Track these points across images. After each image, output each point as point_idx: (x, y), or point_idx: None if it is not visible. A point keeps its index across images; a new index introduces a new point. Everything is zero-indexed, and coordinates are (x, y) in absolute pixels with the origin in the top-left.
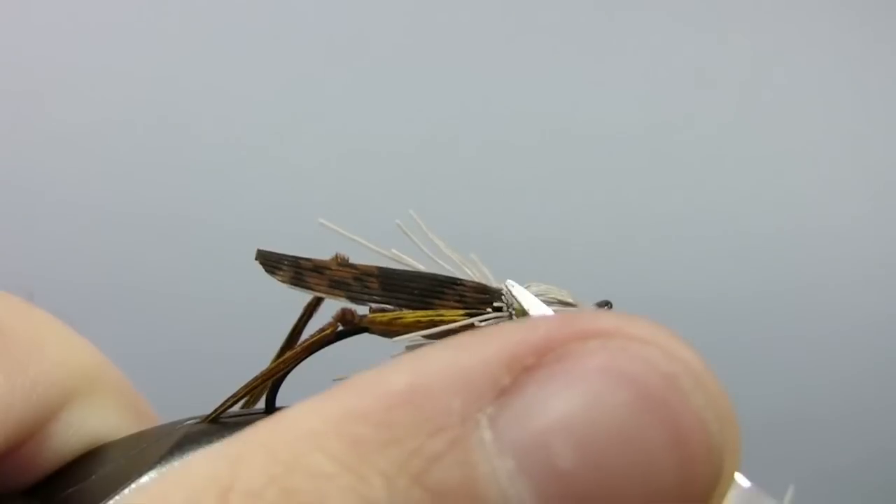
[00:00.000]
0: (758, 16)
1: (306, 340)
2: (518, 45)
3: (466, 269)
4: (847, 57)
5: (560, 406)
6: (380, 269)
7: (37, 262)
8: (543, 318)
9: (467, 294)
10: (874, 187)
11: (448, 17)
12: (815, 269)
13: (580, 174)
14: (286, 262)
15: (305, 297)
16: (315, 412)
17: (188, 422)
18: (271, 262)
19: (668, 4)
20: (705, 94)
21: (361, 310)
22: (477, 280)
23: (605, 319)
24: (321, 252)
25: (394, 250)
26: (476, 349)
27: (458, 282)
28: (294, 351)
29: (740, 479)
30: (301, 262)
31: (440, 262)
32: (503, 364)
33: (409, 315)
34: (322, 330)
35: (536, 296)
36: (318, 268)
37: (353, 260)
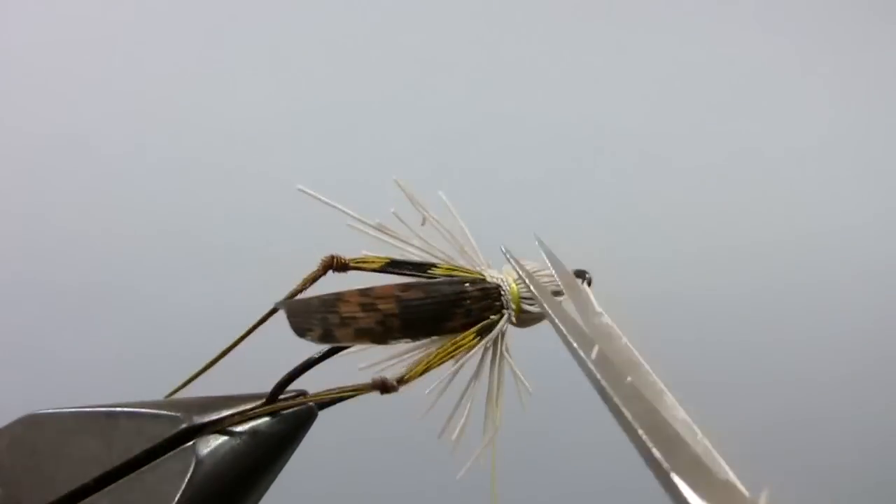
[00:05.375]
0: (768, 20)
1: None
2: (515, 44)
3: (458, 242)
4: (852, 61)
5: None
6: (397, 298)
7: (42, 265)
8: None
9: (473, 307)
10: (876, 192)
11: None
12: (815, 273)
13: (585, 174)
14: (316, 321)
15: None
16: None
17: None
18: (302, 325)
19: (674, 11)
20: (706, 97)
21: (394, 371)
22: (469, 268)
23: None
24: (319, 246)
25: (379, 221)
26: None
27: (464, 296)
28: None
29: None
30: (329, 317)
31: (428, 249)
32: None
33: (436, 359)
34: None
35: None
36: (344, 320)
37: (347, 255)
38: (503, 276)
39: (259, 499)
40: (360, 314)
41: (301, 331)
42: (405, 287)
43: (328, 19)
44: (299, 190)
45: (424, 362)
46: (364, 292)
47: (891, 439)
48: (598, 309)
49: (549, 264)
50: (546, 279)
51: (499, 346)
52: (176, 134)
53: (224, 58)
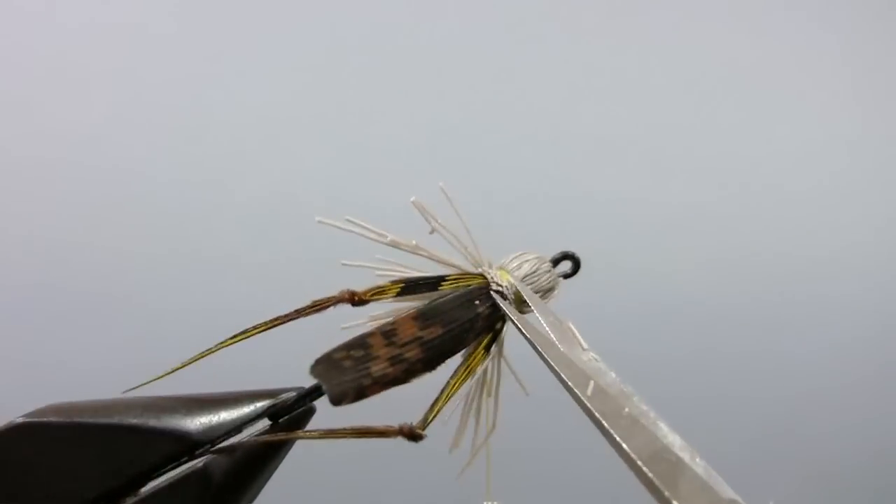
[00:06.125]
0: (777, 25)
1: None
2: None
3: (465, 245)
4: (852, 70)
5: None
6: (420, 340)
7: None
8: None
9: (483, 326)
10: (878, 202)
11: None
12: (815, 279)
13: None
14: (351, 388)
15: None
16: None
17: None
18: (339, 395)
19: (684, 12)
20: (709, 100)
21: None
22: (474, 271)
23: None
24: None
25: (391, 237)
26: None
27: (477, 317)
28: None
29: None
30: (362, 381)
31: (437, 256)
32: None
33: (453, 390)
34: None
35: (526, 275)
36: (376, 380)
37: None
38: (508, 281)
39: (257, 494)
40: (390, 369)
41: (338, 400)
42: (424, 323)
43: (331, 23)
44: (318, 222)
45: (443, 398)
46: (388, 338)
47: (891, 447)
48: (585, 346)
49: (537, 312)
50: (544, 277)
51: (498, 347)
52: (179, 141)
53: (226, 62)
